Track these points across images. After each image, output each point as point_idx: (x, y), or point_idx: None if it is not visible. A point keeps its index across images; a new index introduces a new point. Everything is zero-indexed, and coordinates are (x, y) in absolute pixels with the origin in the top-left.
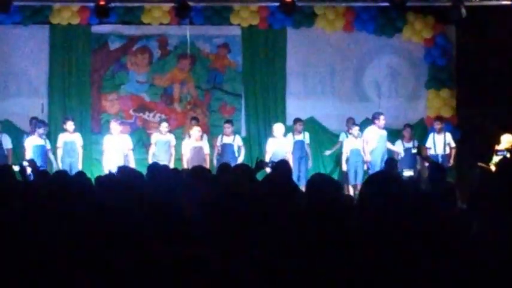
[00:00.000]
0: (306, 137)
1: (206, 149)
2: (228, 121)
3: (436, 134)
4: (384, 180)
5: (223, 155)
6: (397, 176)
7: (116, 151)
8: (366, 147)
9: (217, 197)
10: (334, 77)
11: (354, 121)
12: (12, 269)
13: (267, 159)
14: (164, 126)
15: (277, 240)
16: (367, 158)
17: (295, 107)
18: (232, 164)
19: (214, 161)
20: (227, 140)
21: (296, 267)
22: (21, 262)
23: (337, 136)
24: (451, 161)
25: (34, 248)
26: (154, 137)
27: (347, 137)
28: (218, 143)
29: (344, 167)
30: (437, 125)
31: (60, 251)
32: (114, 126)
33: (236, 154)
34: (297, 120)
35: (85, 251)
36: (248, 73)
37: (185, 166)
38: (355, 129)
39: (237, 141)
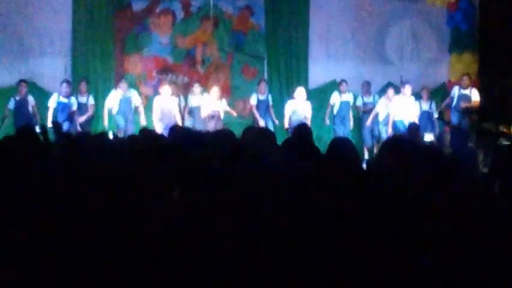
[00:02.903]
0: (350, 98)
1: (226, 107)
2: (262, 79)
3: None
4: (397, 145)
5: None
6: (411, 139)
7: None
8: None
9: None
10: (357, 40)
11: (369, 84)
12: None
13: (286, 122)
14: (197, 87)
15: (294, 201)
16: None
17: (318, 69)
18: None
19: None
20: (262, 97)
21: (314, 228)
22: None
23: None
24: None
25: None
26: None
27: (363, 100)
28: (254, 101)
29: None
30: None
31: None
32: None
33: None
34: (341, 81)
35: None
36: (271, 36)
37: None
38: (391, 92)
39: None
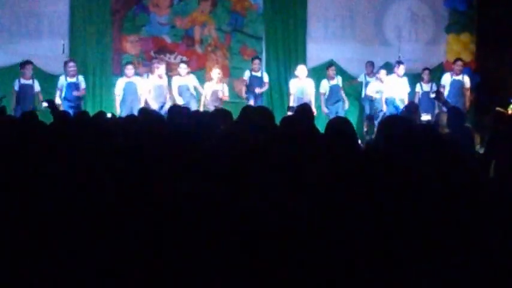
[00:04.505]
0: (339, 81)
1: (225, 92)
2: (256, 57)
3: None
4: (393, 124)
5: (252, 87)
6: (409, 119)
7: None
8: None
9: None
10: (355, 21)
11: (373, 64)
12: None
13: (292, 100)
14: (183, 67)
15: (295, 177)
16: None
17: (316, 50)
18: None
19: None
20: (256, 74)
21: (314, 206)
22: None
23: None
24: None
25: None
26: (176, 81)
27: (366, 79)
28: (246, 77)
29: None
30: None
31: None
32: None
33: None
34: (329, 65)
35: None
36: (269, 16)
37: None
38: (383, 73)
39: (264, 77)
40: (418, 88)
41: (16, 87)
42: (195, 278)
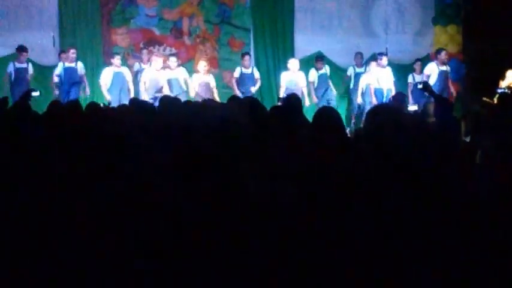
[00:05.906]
0: (327, 70)
1: (212, 83)
2: (245, 53)
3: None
4: (382, 112)
5: (244, 84)
6: (398, 108)
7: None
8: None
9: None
10: (342, 12)
11: (362, 55)
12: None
13: (282, 93)
14: (173, 61)
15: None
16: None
17: (303, 41)
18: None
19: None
20: (246, 71)
21: (300, 195)
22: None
23: (344, 70)
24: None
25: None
26: (165, 75)
27: (355, 70)
28: (237, 74)
29: (359, 100)
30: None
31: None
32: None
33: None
34: (317, 58)
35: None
36: (256, 8)
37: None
38: (373, 65)
39: (255, 73)
40: (410, 79)
41: (10, 70)
42: (195, 278)
